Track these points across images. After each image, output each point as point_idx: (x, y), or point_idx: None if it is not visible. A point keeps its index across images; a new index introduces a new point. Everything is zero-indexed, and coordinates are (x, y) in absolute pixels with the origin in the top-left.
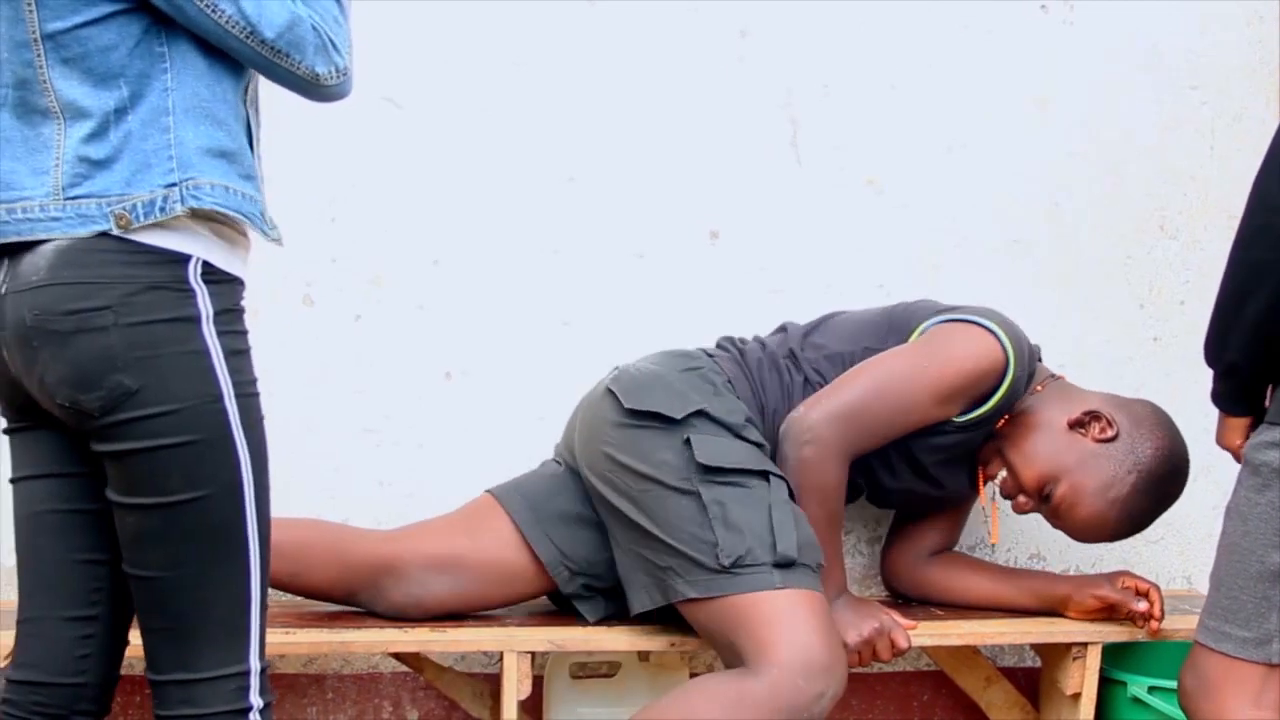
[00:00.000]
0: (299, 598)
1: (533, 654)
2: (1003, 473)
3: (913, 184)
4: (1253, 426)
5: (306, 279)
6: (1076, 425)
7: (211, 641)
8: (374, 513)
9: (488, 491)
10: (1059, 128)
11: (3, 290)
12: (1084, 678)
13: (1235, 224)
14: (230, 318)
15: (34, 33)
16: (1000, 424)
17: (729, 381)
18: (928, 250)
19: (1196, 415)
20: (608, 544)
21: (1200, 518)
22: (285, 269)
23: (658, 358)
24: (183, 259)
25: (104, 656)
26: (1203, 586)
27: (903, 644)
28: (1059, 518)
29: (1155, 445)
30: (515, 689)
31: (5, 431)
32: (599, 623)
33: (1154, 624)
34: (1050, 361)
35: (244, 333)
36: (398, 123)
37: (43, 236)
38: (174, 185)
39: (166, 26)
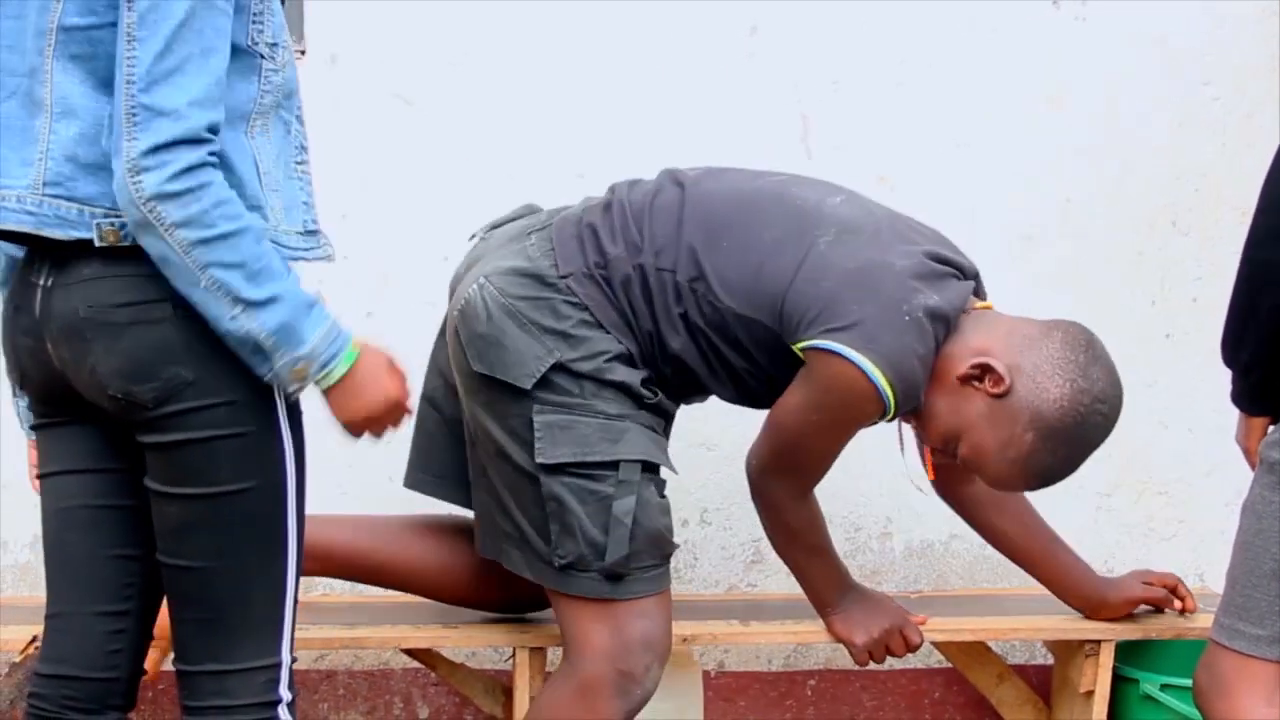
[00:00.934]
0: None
1: (545, 650)
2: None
3: (924, 181)
4: (1272, 424)
5: (318, 276)
6: (968, 380)
7: (247, 633)
8: (385, 508)
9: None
10: (1070, 124)
11: (47, 284)
12: (1097, 675)
13: (1247, 220)
14: None
15: (53, 23)
16: None
17: (587, 310)
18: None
19: (1208, 413)
20: None
21: (1213, 515)
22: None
23: (506, 280)
24: None
25: (134, 651)
26: (1216, 584)
27: (915, 640)
28: (974, 473)
29: (1055, 397)
30: (528, 685)
31: (34, 427)
32: None
33: (1190, 603)
34: None
35: None
36: (408, 120)
37: (13, 228)
38: None
39: None
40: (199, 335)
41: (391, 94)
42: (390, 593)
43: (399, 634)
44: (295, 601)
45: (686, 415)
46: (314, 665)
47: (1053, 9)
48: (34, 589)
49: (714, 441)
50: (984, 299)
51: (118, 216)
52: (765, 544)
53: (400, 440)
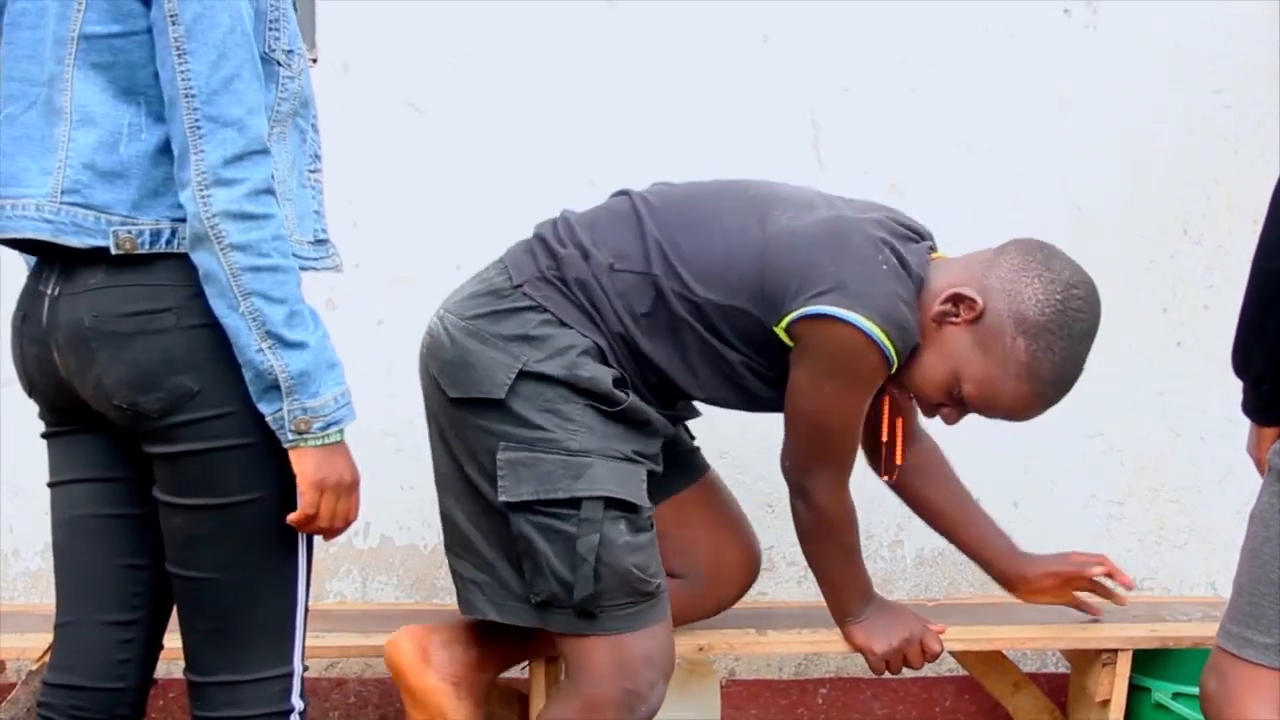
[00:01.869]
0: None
1: (560, 659)
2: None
3: (934, 187)
4: None
5: (329, 283)
6: (944, 318)
7: (258, 643)
8: (396, 516)
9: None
10: (1081, 131)
11: (55, 293)
12: (1114, 684)
13: (1259, 229)
14: None
15: (73, 31)
16: None
17: (546, 311)
18: (949, 253)
19: (1219, 420)
20: None
21: (1224, 523)
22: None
23: (463, 304)
24: None
25: (142, 661)
26: (1227, 592)
27: (935, 649)
28: (988, 413)
29: (1029, 295)
30: (543, 694)
31: (44, 436)
32: None
33: (1125, 578)
34: None
35: None
36: (419, 126)
37: (31, 236)
38: (181, 221)
39: None
40: (203, 345)
41: (403, 102)
42: (402, 600)
43: None
44: (306, 610)
45: (693, 424)
46: (325, 673)
47: (1064, 16)
48: (46, 596)
49: (724, 449)
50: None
51: (134, 224)
52: (775, 552)
53: (411, 447)
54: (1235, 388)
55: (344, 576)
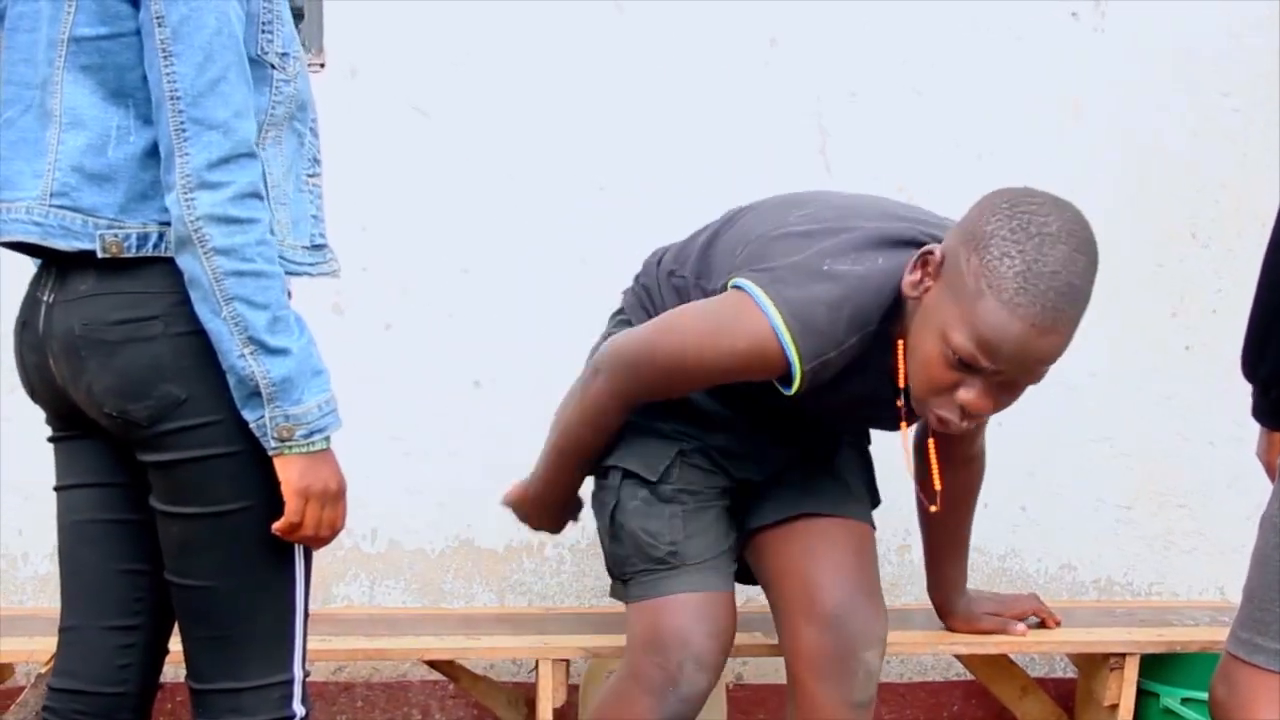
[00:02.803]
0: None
1: (568, 661)
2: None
3: (942, 191)
4: None
5: (336, 287)
6: (918, 287)
7: (257, 650)
8: (403, 521)
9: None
10: (1089, 135)
11: (50, 300)
12: (1121, 689)
13: (1267, 232)
14: None
15: (64, 33)
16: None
17: (622, 312)
18: None
19: (1227, 424)
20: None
21: (1233, 528)
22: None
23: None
24: None
25: (145, 666)
26: (1235, 597)
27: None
28: (992, 361)
29: (970, 217)
30: (551, 696)
31: (50, 440)
32: None
33: (1054, 621)
34: (1080, 370)
35: None
36: (427, 132)
37: (20, 239)
38: (169, 224)
39: None
40: (190, 353)
41: (411, 106)
42: (409, 604)
43: (421, 645)
44: (306, 616)
45: None
46: (332, 677)
47: (1071, 19)
48: (55, 600)
49: None
50: None
51: (121, 228)
52: None
53: (419, 451)
54: (1243, 392)
55: (351, 580)
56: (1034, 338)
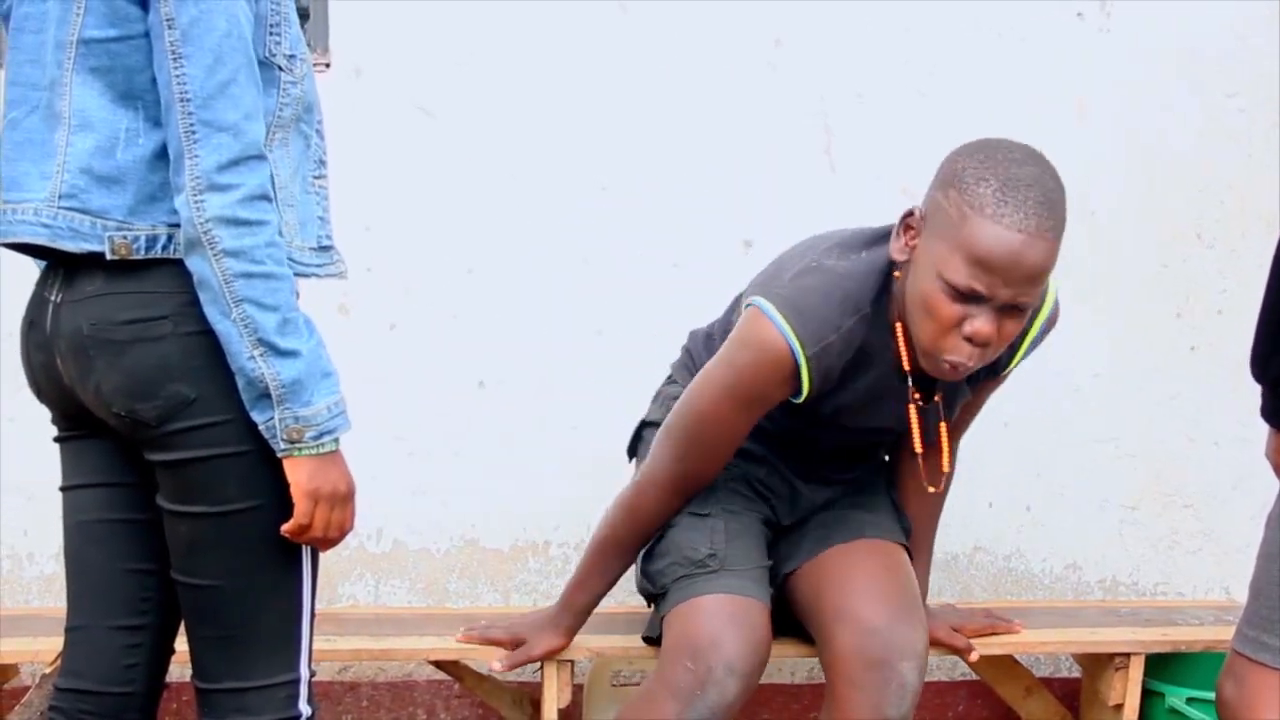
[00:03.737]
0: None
1: (573, 663)
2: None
3: None
4: None
5: (341, 288)
6: (904, 248)
7: (264, 650)
8: (408, 521)
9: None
10: (1094, 135)
11: (57, 300)
12: (1126, 688)
13: (1273, 232)
14: None
15: (73, 35)
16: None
17: (673, 380)
18: None
19: (1233, 424)
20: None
21: (1239, 528)
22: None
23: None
24: None
25: (151, 666)
26: (1241, 596)
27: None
28: (986, 281)
29: (951, 156)
30: (555, 697)
31: (56, 440)
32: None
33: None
34: (1085, 370)
35: None
36: (431, 132)
37: (29, 240)
38: (178, 226)
39: None
40: (199, 353)
41: (416, 106)
42: (414, 604)
43: (427, 645)
44: (313, 616)
45: None
46: (338, 677)
47: (1076, 20)
48: (60, 600)
49: None
50: None
51: (130, 230)
52: None
53: (424, 451)
54: (1249, 392)
55: (356, 580)
56: (1022, 244)
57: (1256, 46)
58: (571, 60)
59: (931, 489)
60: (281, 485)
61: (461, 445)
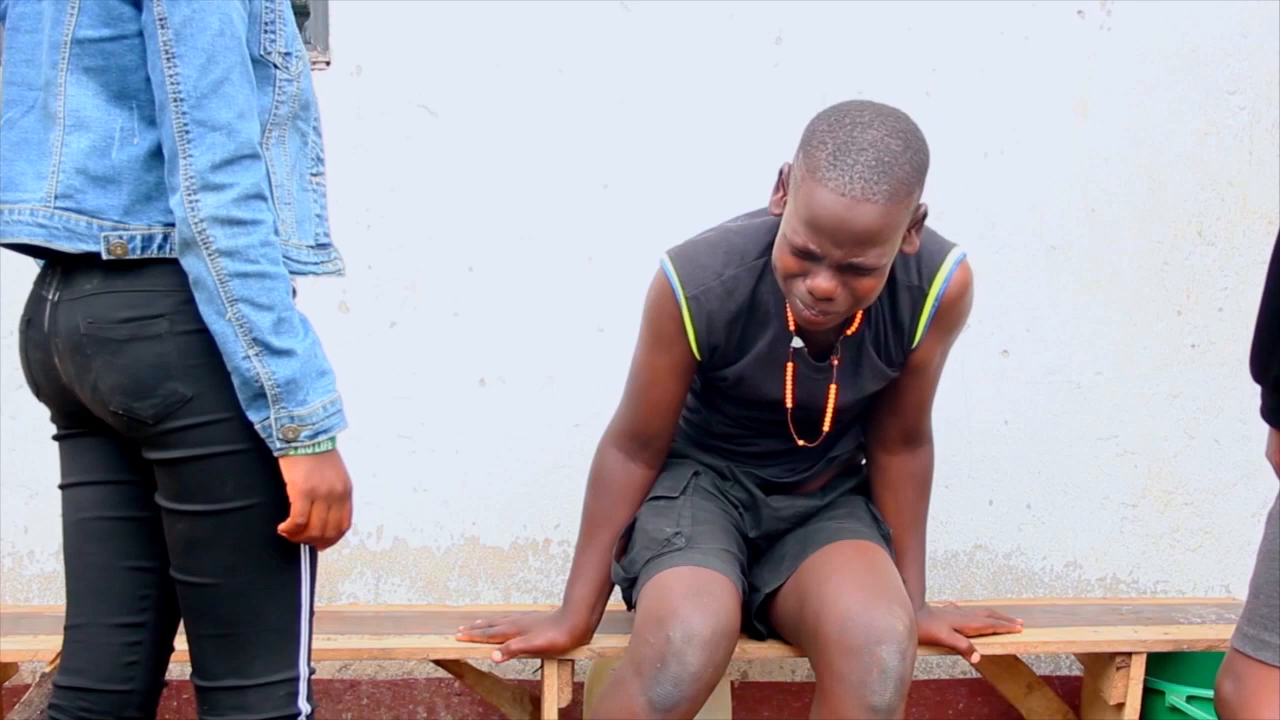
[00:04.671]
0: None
1: (573, 661)
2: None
3: (950, 190)
4: None
5: (342, 285)
6: (778, 203)
7: (263, 648)
8: (410, 519)
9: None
10: (1096, 133)
11: (55, 299)
12: (1128, 687)
13: (1274, 230)
14: None
15: (67, 35)
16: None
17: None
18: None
19: (1233, 422)
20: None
21: (1239, 525)
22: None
23: None
24: None
25: (150, 664)
26: (1241, 594)
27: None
28: (824, 240)
29: (811, 125)
30: (556, 695)
31: (55, 438)
32: None
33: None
34: (1086, 368)
35: None
36: (433, 130)
37: (25, 241)
38: (173, 226)
39: None
40: (196, 352)
41: (416, 104)
42: (415, 602)
43: (428, 644)
44: (312, 613)
45: None
46: (338, 675)
47: (1078, 19)
48: (60, 598)
49: None
50: None
51: (126, 229)
52: None
53: (425, 449)
54: (1249, 390)
55: (357, 578)
56: (847, 207)
57: (1257, 44)
58: (573, 58)
59: (802, 442)
60: (279, 483)
61: (462, 443)
